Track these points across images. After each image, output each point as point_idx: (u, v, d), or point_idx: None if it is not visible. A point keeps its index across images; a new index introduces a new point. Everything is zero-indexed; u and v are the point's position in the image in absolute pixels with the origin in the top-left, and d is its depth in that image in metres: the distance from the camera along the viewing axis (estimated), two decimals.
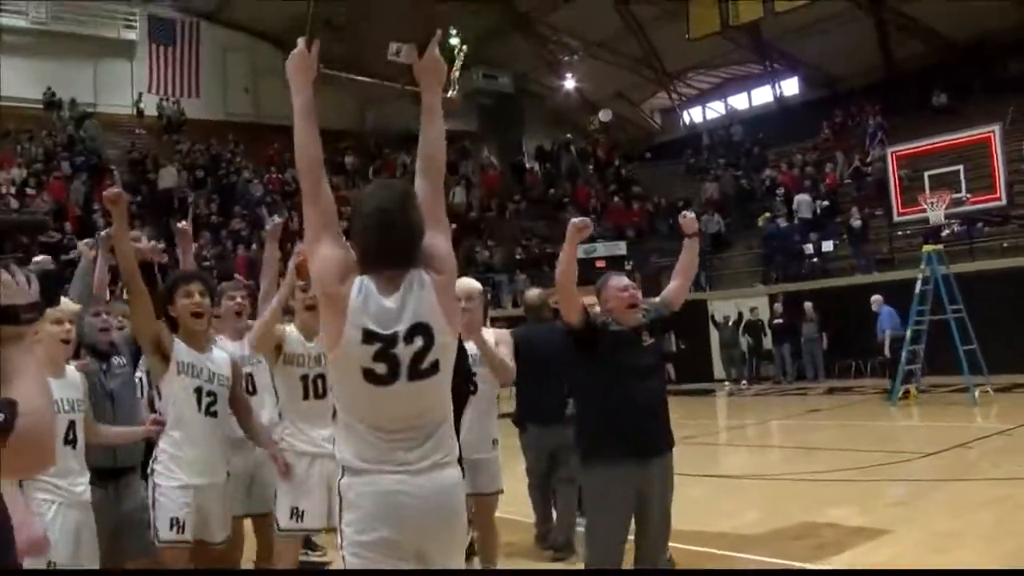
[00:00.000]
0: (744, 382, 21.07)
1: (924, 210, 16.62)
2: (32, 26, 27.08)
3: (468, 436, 4.78)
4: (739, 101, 32.01)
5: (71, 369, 4.02)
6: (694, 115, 33.33)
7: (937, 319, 14.63)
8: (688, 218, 4.86)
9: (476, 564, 5.38)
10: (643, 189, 28.65)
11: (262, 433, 4.56)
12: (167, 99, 29.20)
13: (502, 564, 5.57)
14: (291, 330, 4.61)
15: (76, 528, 3.83)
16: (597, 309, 4.58)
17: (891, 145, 20.64)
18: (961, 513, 7.08)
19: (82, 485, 3.89)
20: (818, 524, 6.93)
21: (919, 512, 7.26)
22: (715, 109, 32.78)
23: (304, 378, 4.55)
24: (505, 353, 5.21)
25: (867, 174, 23.35)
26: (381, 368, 2.68)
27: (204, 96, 30.08)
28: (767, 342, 21.26)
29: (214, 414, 4.28)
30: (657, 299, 4.79)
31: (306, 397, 4.54)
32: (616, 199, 28.40)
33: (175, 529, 4.08)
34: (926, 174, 17.60)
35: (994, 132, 17.69)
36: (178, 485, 4.12)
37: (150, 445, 4.34)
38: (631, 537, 4.50)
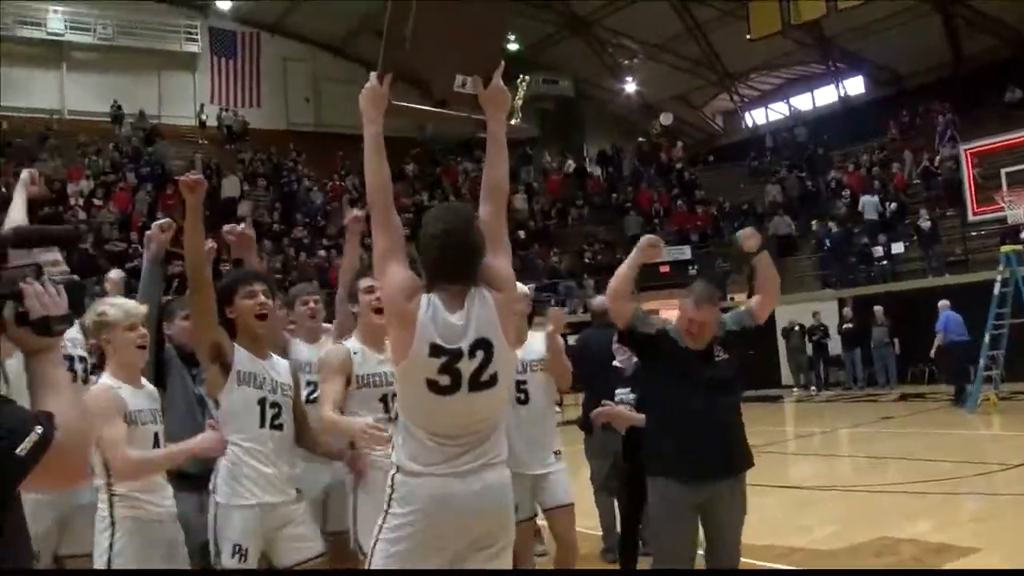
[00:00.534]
0: (813, 388, 20.58)
1: (1001, 209, 16.07)
2: (99, 42, 27.72)
3: (524, 450, 4.61)
4: (802, 102, 31.46)
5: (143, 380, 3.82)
6: (756, 117, 32.87)
7: (1018, 323, 14.08)
8: (744, 235, 4.40)
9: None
10: (706, 192, 28.28)
11: (326, 443, 4.12)
12: (228, 110, 29.56)
13: None
14: (354, 346, 4.16)
15: (168, 543, 3.66)
16: (671, 319, 4.37)
17: (963, 143, 20.04)
18: None
19: (169, 499, 3.72)
20: (897, 540, 6.59)
21: (1004, 529, 6.88)
22: (778, 110, 32.28)
23: (383, 399, 4.08)
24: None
25: (937, 173, 22.75)
26: (445, 380, 2.90)
27: (265, 106, 30.42)
28: (832, 347, 20.73)
29: (279, 427, 3.88)
30: (743, 307, 4.52)
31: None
32: (679, 203, 28.06)
33: (237, 557, 3.72)
34: (1003, 171, 17.03)
35: None
36: (242, 504, 3.76)
37: None
38: (700, 552, 4.30)
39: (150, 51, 28.49)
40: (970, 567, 5.81)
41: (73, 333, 3.97)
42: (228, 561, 3.72)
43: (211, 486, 3.85)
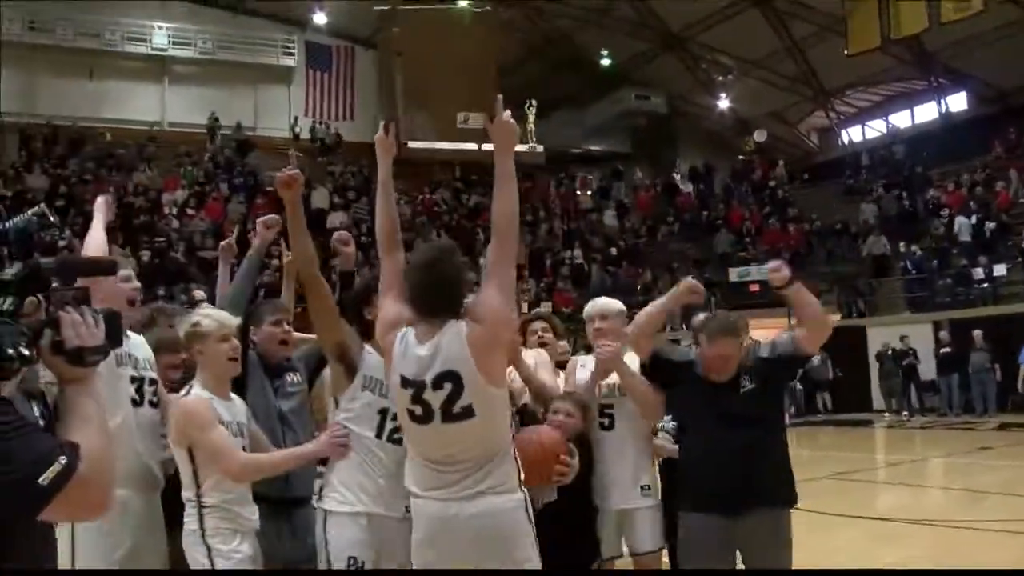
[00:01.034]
0: (905, 413, 19.88)
1: None
2: (199, 56, 28.48)
3: (607, 482, 4.40)
4: (901, 119, 30.59)
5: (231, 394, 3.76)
6: (853, 134, 32.05)
7: None
8: (770, 269, 4.15)
9: None
10: (800, 211, 27.67)
11: None
12: (321, 123, 30.04)
13: None
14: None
15: (255, 557, 3.59)
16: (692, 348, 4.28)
17: None
18: None
19: (256, 516, 3.63)
20: None
21: None
22: (875, 128, 31.46)
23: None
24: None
25: None
26: (418, 410, 3.06)
27: (359, 119, 30.82)
28: (925, 371, 19.99)
29: (398, 441, 3.48)
30: (784, 336, 4.24)
31: None
32: (771, 221, 27.52)
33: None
34: None
35: None
36: (352, 512, 3.52)
37: None
38: None
39: (247, 65, 29.14)
40: None
41: (147, 354, 3.98)
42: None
43: (316, 495, 3.69)
